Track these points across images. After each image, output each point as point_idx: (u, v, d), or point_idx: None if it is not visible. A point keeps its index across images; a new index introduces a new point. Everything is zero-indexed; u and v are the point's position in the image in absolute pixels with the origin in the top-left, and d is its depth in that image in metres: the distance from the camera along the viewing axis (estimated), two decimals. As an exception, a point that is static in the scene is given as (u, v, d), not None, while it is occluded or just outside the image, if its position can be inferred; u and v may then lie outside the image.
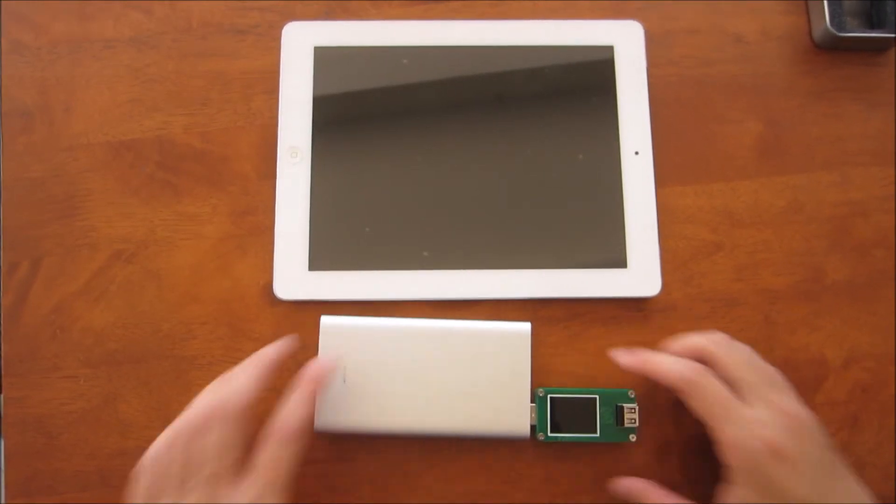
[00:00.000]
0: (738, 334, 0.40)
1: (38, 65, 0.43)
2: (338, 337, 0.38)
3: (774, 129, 0.43)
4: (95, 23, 0.44)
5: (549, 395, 0.38)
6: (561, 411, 0.38)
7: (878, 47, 0.44)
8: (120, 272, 0.41)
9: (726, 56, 0.44)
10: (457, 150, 0.42)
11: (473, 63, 0.42)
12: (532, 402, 0.38)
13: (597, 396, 0.38)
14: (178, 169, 0.42)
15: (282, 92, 0.42)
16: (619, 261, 0.40)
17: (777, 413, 0.33)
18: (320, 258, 0.40)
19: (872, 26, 0.44)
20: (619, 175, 0.41)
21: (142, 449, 0.33)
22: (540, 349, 0.40)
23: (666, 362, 0.36)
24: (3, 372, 0.40)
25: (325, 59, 0.42)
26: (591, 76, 0.42)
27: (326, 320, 0.39)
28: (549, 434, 0.38)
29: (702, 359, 0.36)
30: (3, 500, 0.40)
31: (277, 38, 0.43)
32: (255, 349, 0.38)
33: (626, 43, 0.43)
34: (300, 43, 0.43)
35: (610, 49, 0.43)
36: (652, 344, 0.40)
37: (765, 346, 0.40)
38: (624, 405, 0.38)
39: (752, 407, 0.34)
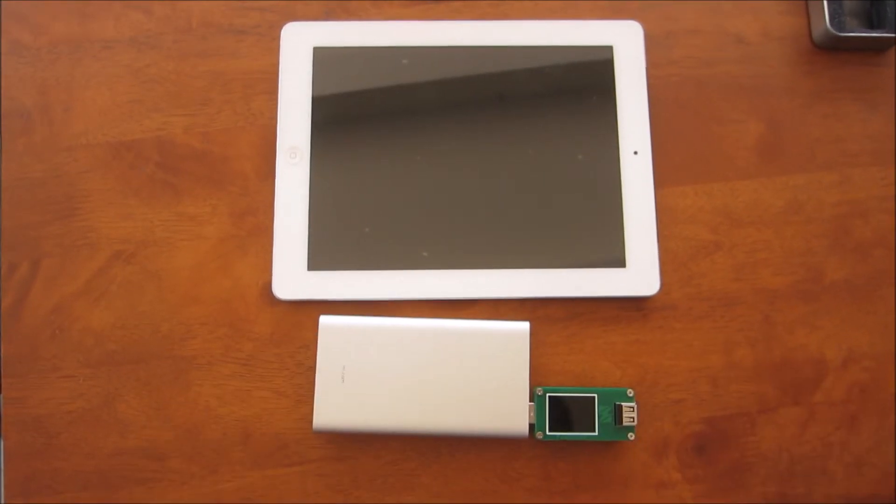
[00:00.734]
0: (737, 334, 0.41)
1: (37, 65, 0.43)
2: (337, 337, 0.38)
3: (774, 130, 0.43)
4: (95, 23, 0.44)
5: (547, 394, 0.38)
6: (559, 410, 0.38)
7: (879, 47, 0.44)
8: (120, 272, 0.41)
9: (726, 56, 0.44)
10: (456, 150, 0.42)
11: (473, 63, 0.42)
12: (531, 401, 0.38)
13: (595, 395, 0.38)
14: (177, 169, 0.42)
15: (281, 92, 0.42)
16: (618, 260, 0.40)
17: None
18: (319, 258, 0.40)
19: (872, 26, 0.44)
20: (619, 175, 0.41)
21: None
22: (539, 348, 0.40)
23: None
24: (2, 372, 0.40)
25: (325, 59, 0.42)
26: (591, 76, 0.42)
27: (325, 320, 0.39)
28: (548, 433, 0.38)
29: None
30: (2, 500, 0.40)
31: (277, 39, 0.43)
32: (255, 349, 0.39)
33: (626, 43, 0.43)
34: (300, 43, 0.43)
35: (609, 49, 0.43)
36: (651, 344, 0.40)
37: (764, 346, 0.40)
38: (622, 404, 0.38)
39: None
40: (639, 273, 0.40)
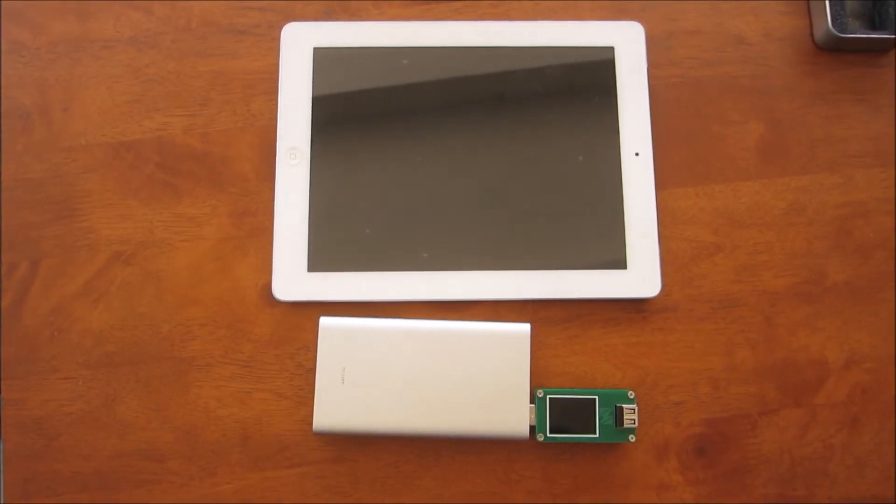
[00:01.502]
0: (738, 336, 0.41)
1: (37, 65, 0.43)
2: (337, 338, 0.38)
3: (776, 131, 0.43)
4: (95, 23, 0.44)
5: (548, 396, 0.38)
6: (560, 412, 0.38)
7: (880, 48, 0.43)
8: (119, 273, 0.41)
9: (728, 57, 0.44)
10: (456, 151, 0.41)
11: (473, 63, 0.42)
12: (531, 402, 0.38)
13: (596, 397, 0.38)
14: (177, 170, 0.42)
15: (281, 92, 0.42)
16: (618, 262, 0.40)
17: None
18: (319, 259, 0.40)
19: (874, 27, 0.44)
20: (620, 176, 0.41)
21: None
22: (539, 350, 0.40)
23: None
24: (1, 374, 0.40)
25: (325, 59, 0.42)
26: (592, 77, 0.42)
27: (325, 321, 0.39)
28: (549, 435, 0.38)
29: None
30: (2, 502, 0.40)
31: (277, 39, 0.43)
32: (255, 350, 0.38)
33: (627, 44, 0.43)
34: (300, 43, 0.42)
35: (611, 50, 0.42)
36: (652, 345, 0.40)
37: (765, 348, 0.40)
38: (623, 406, 0.38)
39: None
40: (640, 274, 0.40)
